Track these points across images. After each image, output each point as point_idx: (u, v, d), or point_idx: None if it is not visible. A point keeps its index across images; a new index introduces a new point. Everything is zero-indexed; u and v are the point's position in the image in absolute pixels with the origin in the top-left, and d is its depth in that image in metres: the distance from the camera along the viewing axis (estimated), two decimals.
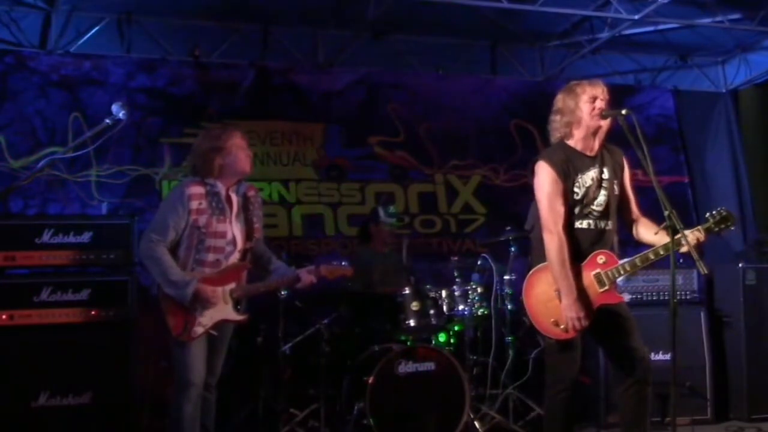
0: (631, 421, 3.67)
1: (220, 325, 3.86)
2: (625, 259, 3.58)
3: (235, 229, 3.89)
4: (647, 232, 3.70)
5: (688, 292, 5.57)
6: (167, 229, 3.77)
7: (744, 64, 7.48)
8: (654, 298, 5.48)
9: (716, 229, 3.53)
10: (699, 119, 7.66)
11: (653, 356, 5.18)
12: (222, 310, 3.82)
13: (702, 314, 5.54)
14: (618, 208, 3.75)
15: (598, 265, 3.60)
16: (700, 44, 7.20)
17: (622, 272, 3.57)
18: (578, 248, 3.62)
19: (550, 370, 3.71)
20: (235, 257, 3.89)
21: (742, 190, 7.52)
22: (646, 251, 3.56)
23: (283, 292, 5.02)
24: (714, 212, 3.56)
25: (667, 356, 5.18)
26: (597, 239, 3.65)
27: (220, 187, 3.86)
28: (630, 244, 3.88)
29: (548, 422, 3.76)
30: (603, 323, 3.61)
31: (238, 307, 3.90)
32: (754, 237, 7.06)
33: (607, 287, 3.58)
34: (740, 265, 5.62)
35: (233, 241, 3.88)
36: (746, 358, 5.53)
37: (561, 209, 3.62)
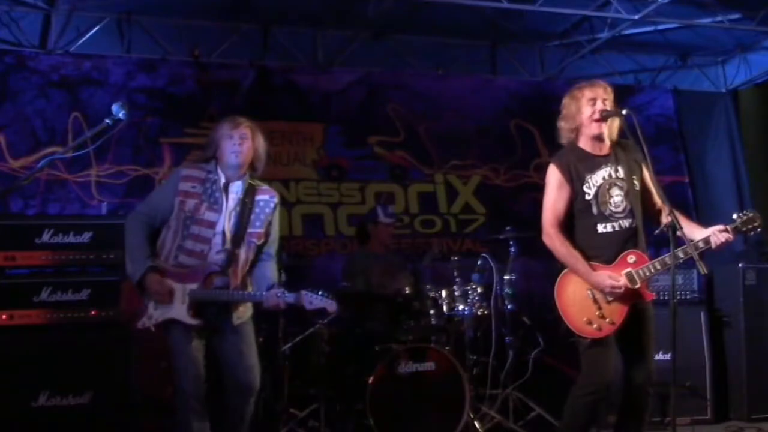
0: (628, 418, 3.69)
1: (171, 324, 3.62)
2: (656, 259, 3.59)
3: (227, 224, 3.69)
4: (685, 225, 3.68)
5: (688, 292, 5.58)
6: (149, 202, 3.82)
7: (744, 64, 7.48)
8: (654, 298, 5.48)
9: (743, 229, 3.55)
10: (699, 119, 7.66)
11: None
12: (175, 308, 3.62)
13: (702, 314, 5.55)
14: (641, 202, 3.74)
15: (629, 264, 3.61)
16: (700, 44, 7.20)
17: (653, 270, 3.58)
18: (606, 251, 3.63)
19: (584, 371, 3.68)
20: (221, 256, 3.67)
21: (742, 190, 7.52)
22: (675, 250, 3.53)
23: None
24: (741, 213, 3.59)
25: (667, 356, 5.18)
26: (625, 239, 3.64)
27: (220, 175, 3.74)
28: (652, 246, 3.87)
29: (567, 419, 3.73)
30: (629, 323, 3.62)
31: (197, 310, 3.63)
32: (754, 237, 7.05)
33: (638, 285, 3.59)
34: (740, 265, 5.63)
35: (223, 235, 3.68)
36: (746, 358, 5.53)
37: (562, 210, 3.66)
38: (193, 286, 3.63)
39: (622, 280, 3.57)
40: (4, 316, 4.29)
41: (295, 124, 6.65)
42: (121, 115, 3.13)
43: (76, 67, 6.12)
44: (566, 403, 3.74)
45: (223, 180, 3.74)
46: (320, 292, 3.66)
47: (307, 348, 5.16)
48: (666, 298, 5.43)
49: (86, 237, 4.52)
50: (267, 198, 3.84)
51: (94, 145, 3.19)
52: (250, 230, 3.74)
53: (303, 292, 3.65)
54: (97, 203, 5.92)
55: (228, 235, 3.69)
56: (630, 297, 3.60)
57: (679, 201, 7.16)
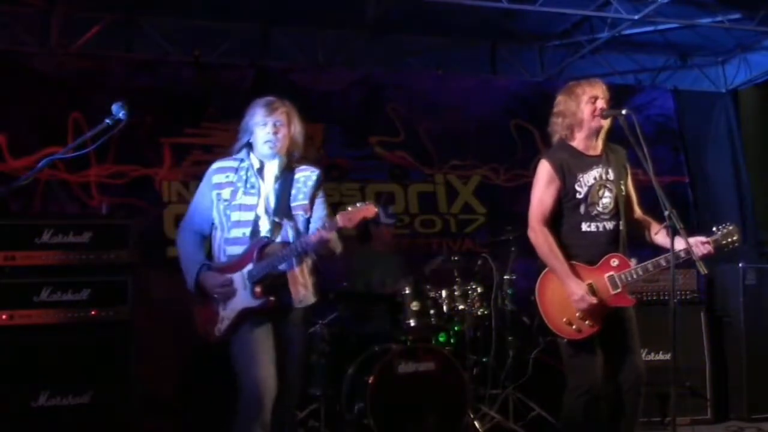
0: (620, 420, 3.69)
1: (245, 315, 3.40)
2: (639, 264, 3.60)
3: (270, 202, 3.49)
4: (653, 233, 3.71)
5: (688, 292, 5.58)
6: (190, 210, 3.61)
7: (744, 64, 7.48)
8: (654, 298, 5.49)
9: (723, 242, 3.56)
10: (699, 119, 7.66)
11: (653, 356, 5.26)
12: (239, 297, 3.41)
13: (702, 314, 5.55)
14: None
15: (612, 267, 3.62)
16: (700, 44, 7.20)
17: (635, 276, 3.59)
18: (588, 251, 3.64)
19: (569, 373, 3.70)
20: (268, 230, 3.46)
21: (742, 189, 7.52)
22: (658, 258, 3.56)
23: None
24: (720, 226, 3.59)
25: (667, 356, 5.19)
26: (608, 241, 3.66)
27: (253, 161, 3.56)
28: (648, 247, 3.88)
29: (566, 425, 3.74)
30: (608, 324, 3.62)
31: (260, 290, 3.40)
32: (754, 237, 7.07)
33: (619, 290, 3.59)
34: (740, 265, 5.63)
35: (266, 215, 3.47)
36: (746, 358, 5.55)
37: (549, 206, 3.68)
38: (249, 267, 3.41)
39: (594, 300, 3.55)
40: (4, 316, 4.30)
41: None
42: (121, 115, 3.12)
43: (76, 67, 6.11)
44: (562, 409, 3.75)
45: (257, 165, 3.56)
46: (357, 204, 3.41)
47: (307, 348, 5.16)
48: (666, 298, 5.45)
49: (86, 237, 4.54)
50: (308, 173, 3.65)
51: (94, 145, 3.18)
52: (294, 204, 3.54)
53: (339, 214, 3.37)
54: (97, 203, 5.91)
55: (271, 211, 3.49)
56: (610, 301, 3.60)
57: (679, 201, 7.16)
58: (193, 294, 3.48)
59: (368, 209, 3.38)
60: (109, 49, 6.23)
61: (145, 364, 4.87)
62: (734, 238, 3.56)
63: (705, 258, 3.51)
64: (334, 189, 6.68)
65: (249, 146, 3.61)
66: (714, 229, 3.60)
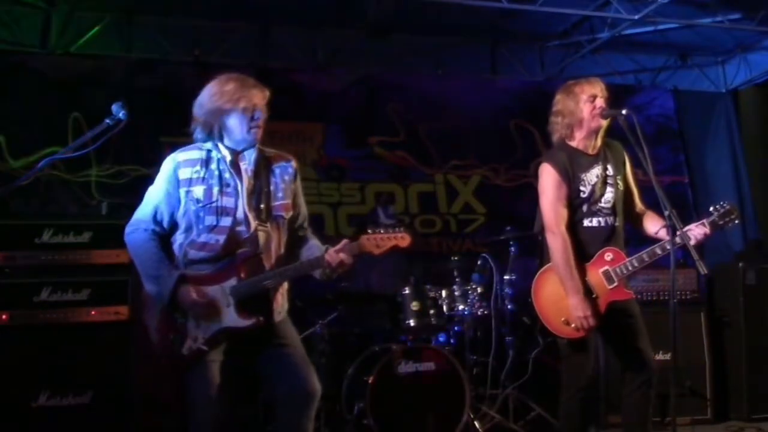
0: (635, 422, 3.68)
1: (223, 336, 3.04)
2: (633, 256, 3.60)
3: (248, 206, 3.09)
4: (653, 227, 3.71)
5: (688, 292, 5.58)
6: (148, 206, 3.17)
7: (744, 64, 7.48)
8: (654, 298, 5.49)
9: (720, 222, 3.54)
10: (699, 119, 7.66)
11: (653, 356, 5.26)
12: (221, 316, 3.03)
13: (702, 314, 5.55)
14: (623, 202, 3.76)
15: (606, 262, 3.62)
16: (700, 44, 7.21)
17: (630, 268, 3.59)
18: (588, 246, 3.64)
19: (566, 371, 3.71)
20: (250, 243, 3.09)
21: (742, 190, 7.52)
22: (652, 246, 3.56)
23: None
24: (717, 206, 3.57)
25: (667, 356, 5.19)
26: (607, 236, 3.67)
27: (224, 152, 3.14)
28: (635, 241, 3.88)
29: (563, 423, 3.74)
30: (612, 321, 3.62)
31: (246, 309, 3.04)
32: (754, 237, 7.07)
33: (616, 284, 3.59)
34: (740, 265, 5.63)
35: (245, 221, 3.08)
36: (746, 358, 5.54)
37: (563, 211, 3.66)
38: (232, 281, 3.05)
39: (594, 324, 3.53)
40: (4, 316, 4.30)
41: (295, 124, 6.64)
42: (121, 115, 3.11)
43: (76, 67, 6.11)
44: (559, 409, 3.74)
45: (229, 157, 3.14)
46: (381, 230, 3.04)
47: (307, 348, 5.15)
48: (666, 298, 5.45)
49: (86, 237, 4.55)
50: (284, 164, 3.25)
51: (94, 145, 3.18)
52: (275, 203, 3.17)
53: (364, 236, 3.04)
54: (97, 203, 5.91)
55: (251, 216, 3.09)
56: (607, 296, 3.60)
57: (679, 201, 7.16)
58: (157, 302, 3.08)
59: (403, 238, 3.06)
60: (109, 49, 6.23)
61: (145, 364, 4.86)
62: (733, 216, 3.53)
63: (703, 239, 3.50)
64: (334, 189, 6.69)
65: (217, 134, 3.15)
66: (711, 209, 3.57)
